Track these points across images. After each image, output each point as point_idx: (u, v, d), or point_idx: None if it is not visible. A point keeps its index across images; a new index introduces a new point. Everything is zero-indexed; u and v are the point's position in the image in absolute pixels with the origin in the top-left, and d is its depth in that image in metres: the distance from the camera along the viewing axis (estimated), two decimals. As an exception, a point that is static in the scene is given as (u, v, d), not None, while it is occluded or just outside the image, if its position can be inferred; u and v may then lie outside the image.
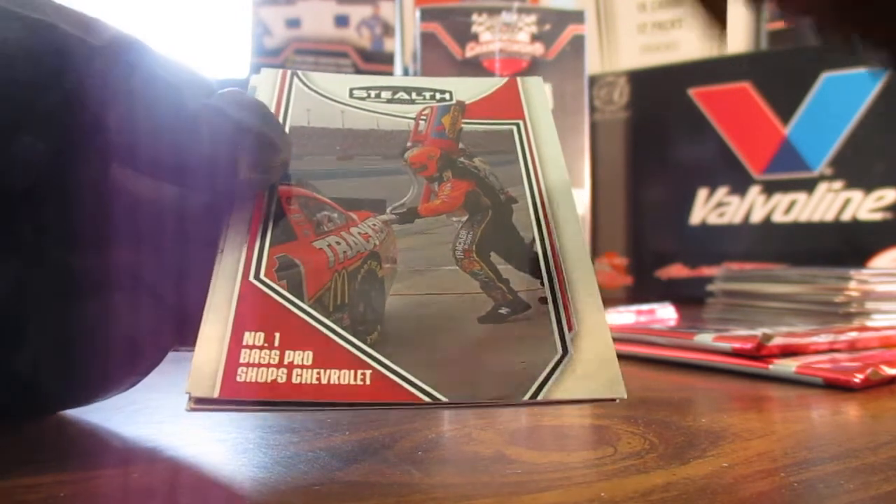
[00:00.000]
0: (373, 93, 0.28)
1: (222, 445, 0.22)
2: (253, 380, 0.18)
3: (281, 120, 0.26)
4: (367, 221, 0.23)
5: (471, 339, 0.20)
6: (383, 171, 0.25)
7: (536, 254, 0.22)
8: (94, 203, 0.23)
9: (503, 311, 0.21)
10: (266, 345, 0.19)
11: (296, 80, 0.28)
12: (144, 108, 0.20)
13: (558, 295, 0.21)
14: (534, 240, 0.23)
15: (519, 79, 0.29)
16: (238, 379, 0.18)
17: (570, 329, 0.20)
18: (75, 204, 0.22)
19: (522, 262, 0.22)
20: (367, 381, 0.19)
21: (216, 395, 0.18)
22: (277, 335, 0.19)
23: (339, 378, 0.19)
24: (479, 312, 0.21)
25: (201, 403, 0.18)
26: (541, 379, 0.19)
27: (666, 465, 0.20)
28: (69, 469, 0.19)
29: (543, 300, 0.21)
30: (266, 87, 0.27)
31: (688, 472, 0.19)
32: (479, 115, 0.27)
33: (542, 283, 0.22)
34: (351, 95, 0.28)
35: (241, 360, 0.19)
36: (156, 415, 0.26)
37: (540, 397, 0.19)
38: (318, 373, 0.19)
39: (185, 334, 0.23)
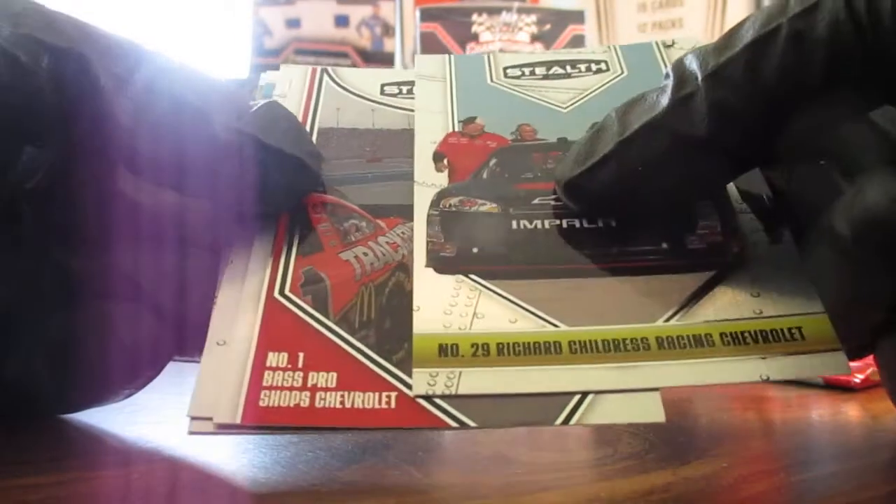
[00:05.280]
0: (404, 88, 0.27)
1: (222, 445, 0.22)
2: (276, 404, 0.18)
3: (310, 120, 0.25)
4: (396, 229, 0.22)
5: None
6: (412, 174, 0.24)
7: None
8: (101, 210, 0.23)
9: None
10: (290, 366, 0.18)
11: (325, 77, 0.27)
12: (172, 135, 0.20)
13: None
14: None
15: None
16: (261, 404, 0.18)
17: None
18: (81, 210, 0.22)
19: None
20: (392, 405, 0.18)
21: (239, 420, 0.18)
22: (301, 355, 0.19)
23: (363, 401, 0.18)
24: None
25: (202, 428, 0.18)
26: (573, 403, 0.18)
27: (666, 466, 0.20)
28: (69, 469, 0.19)
29: None
30: (295, 86, 0.26)
31: (688, 473, 0.19)
32: None
33: None
34: (382, 92, 0.27)
35: (265, 383, 0.18)
36: (156, 415, 0.26)
37: (573, 421, 0.18)
38: (342, 395, 0.18)
39: (184, 345, 0.23)
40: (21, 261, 0.22)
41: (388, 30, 0.92)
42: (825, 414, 0.27)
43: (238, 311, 0.20)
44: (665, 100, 0.19)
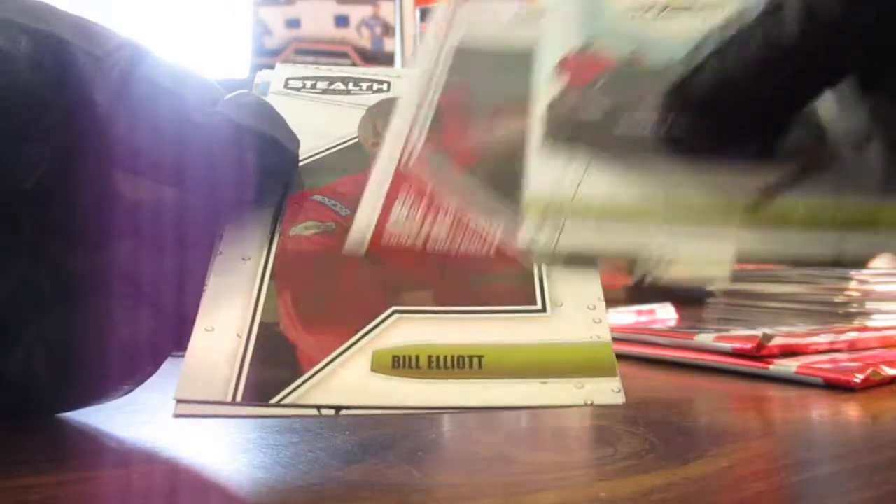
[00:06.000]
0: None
1: (222, 445, 0.22)
2: (397, 243, 0.21)
3: None
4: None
5: None
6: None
7: None
8: (97, 206, 0.23)
9: None
10: (414, 209, 0.22)
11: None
12: (148, 118, 0.20)
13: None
14: None
15: None
16: (384, 242, 0.21)
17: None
18: (78, 206, 0.22)
19: None
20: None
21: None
22: (426, 199, 0.22)
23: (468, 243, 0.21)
24: None
25: (188, 411, 0.18)
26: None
27: (666, 466, 0.20)
28: (69, 469, 0.19)
29: None
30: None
31: (688, 473, 0.19)
32: None
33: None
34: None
35: (391, 219, 0.21)
36: (155, 415, 0.26)
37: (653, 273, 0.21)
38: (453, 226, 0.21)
39: (182, 341, 0.23)
40: (19, 260, 0.22)
41: (388, 30, 0.92)
42: (825, 414, 0.27)
43: (372, 178, 0.22)
44: (758, 9, 0.20)
